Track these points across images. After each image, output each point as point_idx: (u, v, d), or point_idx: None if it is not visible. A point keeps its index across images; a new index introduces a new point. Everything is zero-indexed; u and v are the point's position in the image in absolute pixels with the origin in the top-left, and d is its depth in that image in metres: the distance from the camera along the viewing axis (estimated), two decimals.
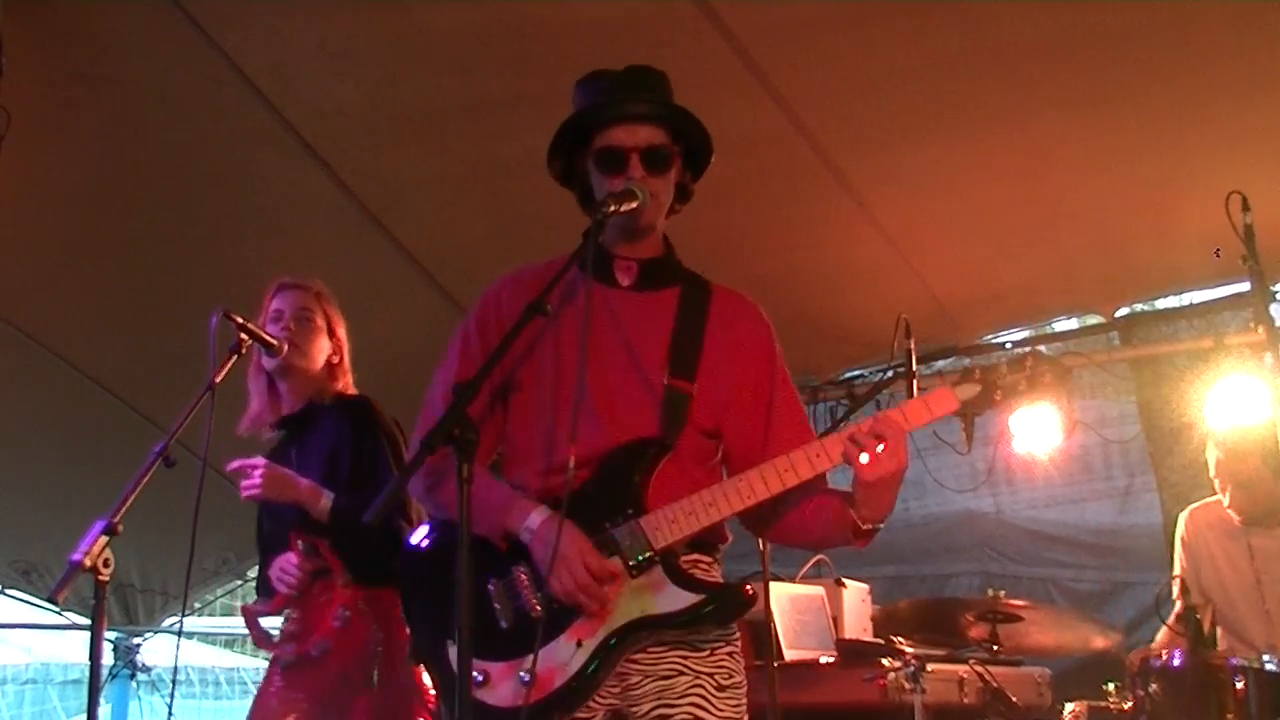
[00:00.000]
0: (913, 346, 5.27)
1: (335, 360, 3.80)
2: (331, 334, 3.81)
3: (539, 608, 2.53)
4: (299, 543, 3.51)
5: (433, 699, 3.54)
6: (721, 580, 2.66)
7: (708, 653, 2.60)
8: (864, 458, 2.49)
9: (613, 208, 2.60)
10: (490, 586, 2.58)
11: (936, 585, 8.70)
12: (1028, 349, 2.61)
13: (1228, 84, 4.41)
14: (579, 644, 2.52)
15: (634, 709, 2.56)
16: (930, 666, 4.41)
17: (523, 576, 2.57)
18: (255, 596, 3.82)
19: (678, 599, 2.53)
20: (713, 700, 2.56)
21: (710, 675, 2.58)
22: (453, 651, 2.44)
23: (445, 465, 2.47)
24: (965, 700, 4.55)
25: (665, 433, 2.60)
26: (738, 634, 2.68)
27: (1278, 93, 4.43)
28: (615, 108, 2.68)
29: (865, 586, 5.14)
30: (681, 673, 2.56)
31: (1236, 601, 4.63)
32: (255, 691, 3.72)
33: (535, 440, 2.66)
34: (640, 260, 2.75)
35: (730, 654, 2.63)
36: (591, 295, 2.66)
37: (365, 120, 4.89)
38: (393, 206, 5.38)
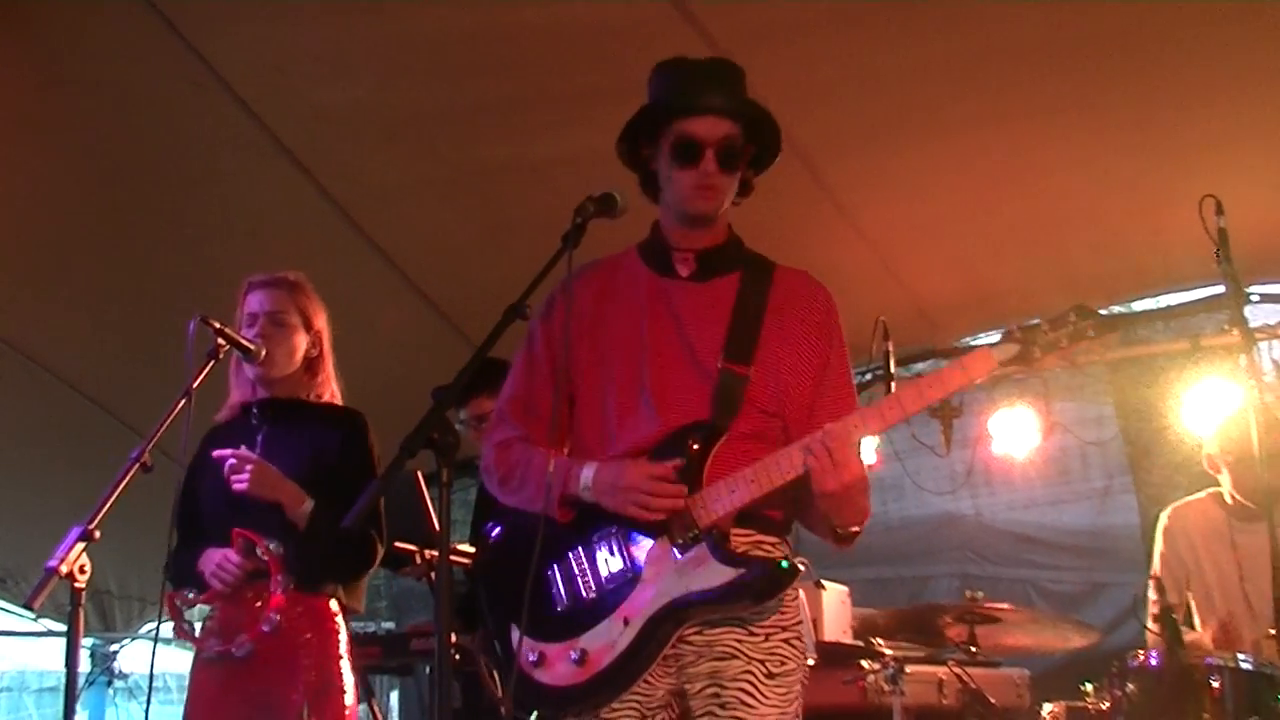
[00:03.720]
0: (890, 349, 5.29)
1: (314, 353, 3.74)
2: (309, 327, 3.73)
3: (591, 588, 2.60)
4: (241, 541, 3.45)
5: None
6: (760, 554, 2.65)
7: (763, 637, 2.61)
8: (817, 471, 2.49)
9: (592, 210, 2.64)
10: (550, 571, 2.64)
11: (916, 587, 8.74)
12: (1074, 306, 2.55)
13: (1202, 89, 4.45)
14: (626, 622, 2.57)
15: (689, 686, 2.60)
16: (909, 668, 4.42)
17: (576, 558, 2.63)
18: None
19: (717, 574, 2.54)
20: (761, 687, 2.57)
21: (762, 662, 2.60)
22: (515, 635, 2.60)
23: (512, 457, 2.70)
24: (944, 702, 4.57)
25: (716, 415, 2.63)
26: (799, 620, 2.69)
27: (1251, 97, 4.47)
28: (700, 99, 2.68)
29: (845, 589, 5.15)
30: (735, 655, 2.59)
31: (1220, 598, 4.64)
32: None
33: (596, 435, 2.72)
34: (698, 250, 2.77)
35: (786, 640, 2.64)
36: (644, 286, 2.75)
37: (347, 125, 4.88)
38: (374, 211, 5.37)
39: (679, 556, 2.56)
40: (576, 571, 2.63)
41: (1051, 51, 4.33)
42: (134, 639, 7.83)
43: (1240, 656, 3.97)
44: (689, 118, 2.66)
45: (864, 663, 4.53)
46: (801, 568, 2.60)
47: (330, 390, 3.80)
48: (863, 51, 4.39)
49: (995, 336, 7.35)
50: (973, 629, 4.53)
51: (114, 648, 7.82)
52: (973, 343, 6.61)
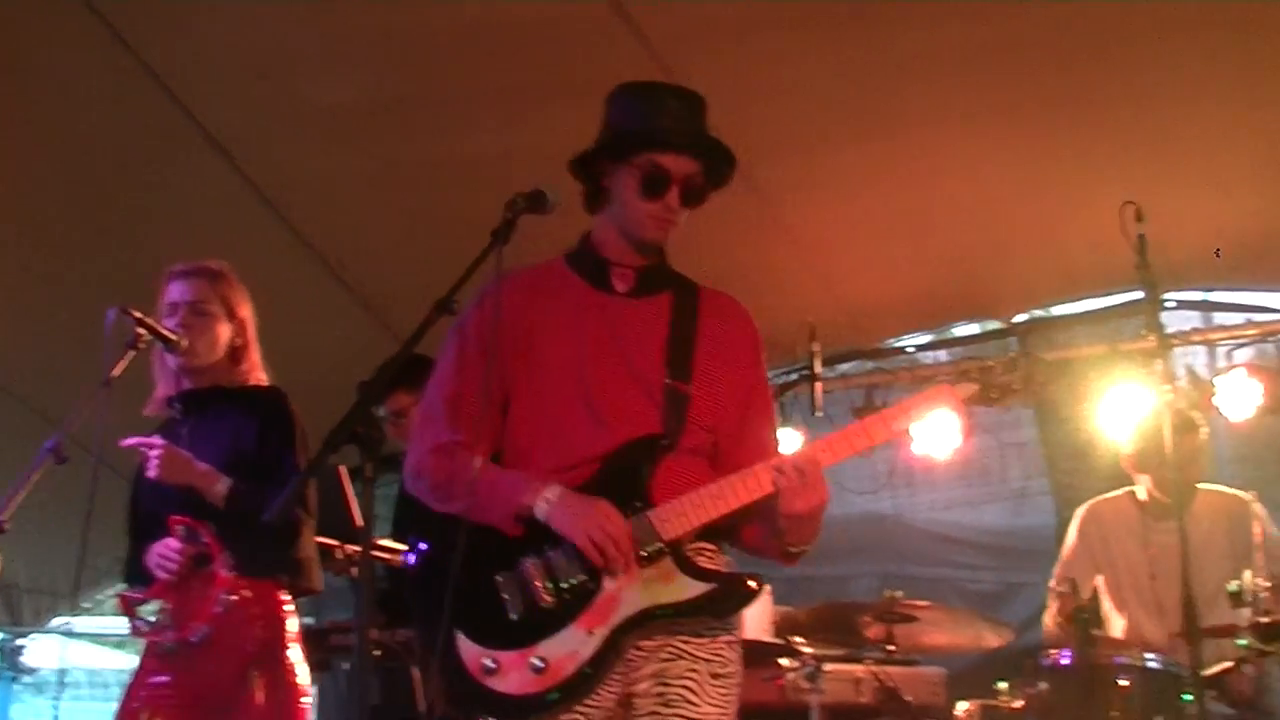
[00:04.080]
0: (817, 350, 5.34)
1: (239, 343, 3.71)
2: (232, 316, 3.69)
3: (549, 598, 2.58)
4: (179, 528, 3.43)
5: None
6: (727, 570, 2.71)
7: (708, 639, 2.64)
8: (787, 492, 2.55)
9: (523, 205, 2.64)
10: (499, 579, 2.61)
11: (837, 586, 8.82)
12: (1016, 352, 2.67)
13: (1125, 97, 4.53)
14: (590, 632, 2.57)
15: (634, 688, 2.61)
16: (828, 667, 4.47)
17: (531, 567, 2.61)
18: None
19: (687, 588, 2.58)
20: (705, 687, 2.61)
21: (707, 662, 2.62)
22: (461, 642, 2.58)
23: (454, 464, 2.66)
24: (861, 700, 4.62)
25: (667, 429, 2.67)
26: (739, 625, 2.73)
27: (1173, 107, 4.55)
28: (677, 135, 2.73)
29: (766, 587, 5.18)
30: (680, 657, 2.61)
31: (1131, 595, 4.74)
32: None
33: (531, 443, 2.72)
34: (638, 268, 2.80)
35: (729, 644, 2.67)
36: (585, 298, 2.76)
37: (275, 116, 4.83)
38: (301, 204, 5.31)
39: (643, 569, 2.58)
40: (531, 579, 2.60)
41: (979, 57, 4.39)
42: (43, 633, 7.69)
43: (1148, 656, 4.06)
44: (664, 151, 2.70)
45: (783, 661, 4.56)
46: (755, 584, 2.65)
47: (256, 378, 3.77)
48: (796, 53, 4.41)
49: (922, 339, 7.50)
50: (891, 628, 4.58)
51: (20, 642, 7.66)
52: (896, 344, 6.69)
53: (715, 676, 2.62)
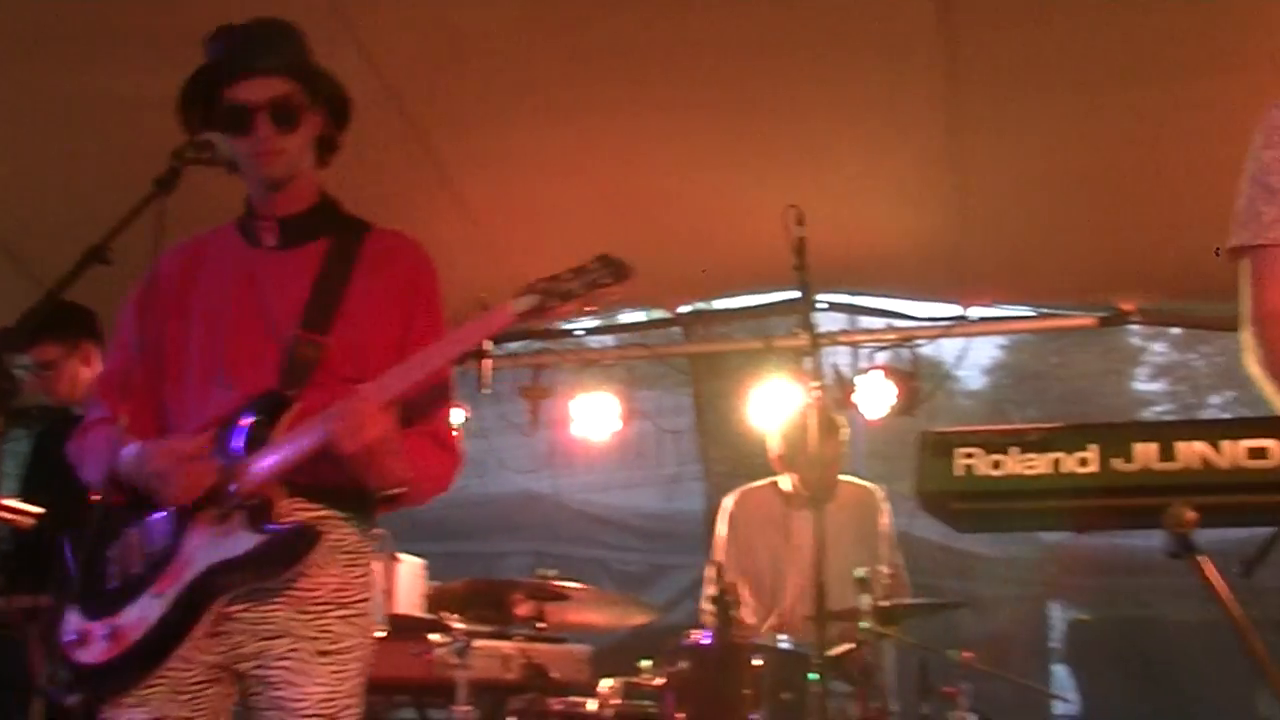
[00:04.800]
0: None
1: None
2: None
3: (139, 565, 2.50)
4: None
5: None
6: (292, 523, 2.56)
7: (315, 615, 2.53)
8: (333, 435, 2.45)
9: (188, 156, 2.52)
10: (110, 550, 2.54)
11: (491, 563, 8.88)
12: (597, 256, 2.63)
13: (792, 105, 4.71)
14: (160, 595, 2.48)
15: (239, 666, 2.52)
16: (477, 643, 4.48)
17: (133, 535, 2.53)
18: None
19: (242, 541, 2.48)
20: (311, 666, 2.50)
21: (313, 639, 2.52)
22: (69, 614, 2.52)
23: (86, 440, 2.64)
24: (508, 676, 4.66)
25: (284, 385, 2.56)
26: (364, 597, 2.62)
27: (836, 116, 4.77)
28: (241, 62, 2.59)
29: (421, 562, 5.15)
30: (283, 635, 2.51)
31: (771, 581, 4.98)
32: None
33: (181, 412, 2.63)
34: (280, 218, 2.69)
35: (343, 618, 2.56)
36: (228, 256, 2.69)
37: None
38: None
39: (215, 527, 2.50)
40: (131, 548, 2.53)
41: (660, 53, 4.48)
42: None
43: (780, 637, 4.29)
44: (234, 84, 2.59)
45: (434, 636, 4.55)
46: (312, 536, 2.54)
47: None
48: (484, 29, 4.37)
49: (590, 323, 7.57)
50: (542, 606, 4.63)
51: None
52: (565, 326, 6.78)
53: (323, 654, 2.52)
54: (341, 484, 2.56)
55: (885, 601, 4.31)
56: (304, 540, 2.51)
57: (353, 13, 4.21)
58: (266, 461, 2.50)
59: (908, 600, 4.74)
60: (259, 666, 2.51)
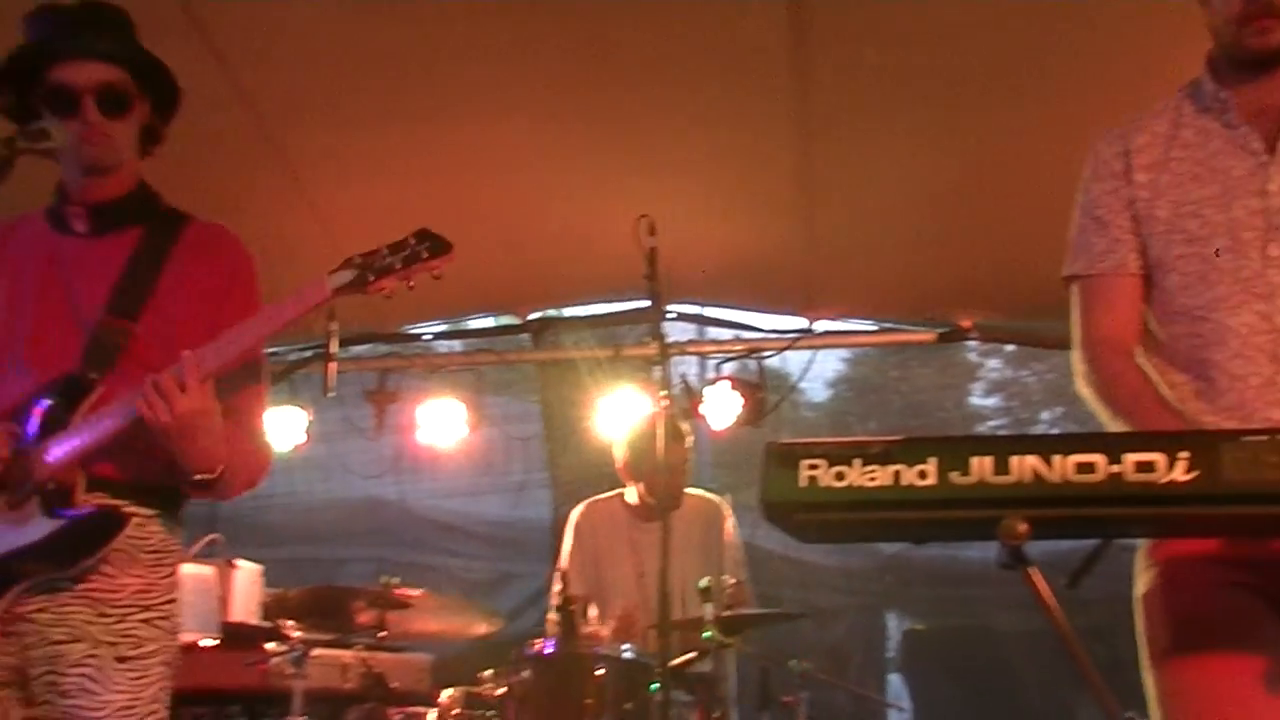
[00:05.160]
0: (334, 329, 5.22)
1: None
2: None
3: None
4: None
5: None
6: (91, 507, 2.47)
7: (116, 619, 2.43)
8: (143, 407, 2.38)
9: (21, 144, 2.45)
10: None
11: (332, 570, 8.70)
12: (416, 231, 2.58)
13: (646, 114, 4.73)
14: None
15: (30, 670, 2.40)
16: (315, 651, 4.40)
17: None
18: None
19: (37, 529, 2.38)
20: (109, 673, 2.39)
21: (112, 644, 2.41)
22: None
23: None
24: (347, 685, 4.58)
25: (84, 369, 2.48)
26: (170, 599, 2.52)
27: (687, 129, 4.81)
28: (70, 43, 2.51)
29: (258, 568, 5.04)
30: (79, 639, 2.40)
31: (618, 592, 4.98)
32: None
33: None
34: (91, 204, 2.61)
35: (146, 621, 2.47)
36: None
37: None
38: None
39: (8, 514, 2.40)
40: None
41: (513, 57, 4.45)
42: None
43: (625, 647, 4.30)
44: (62, 65, 2.52)
45: (270, 645, 4.45)
46: (117, 519, 2.45)
47: None
48: (337, 30, 4.30)
49: (438, 327, 7.50)
50: (384, 614, 4.57)
51: None
52: (413, 330, 6.70)
53: (122, 660, 2.42)
54: (146, 478, 2.49)
55: (727, 612, 4.35)
56: (105, 526, 2.42)
57: (201, 9, 4.11)
58: (64, 446, 2.41)
59: (750, 610, 4.80)
60: (49, 673, 2.40)
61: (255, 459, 2.65)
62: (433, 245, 2.56)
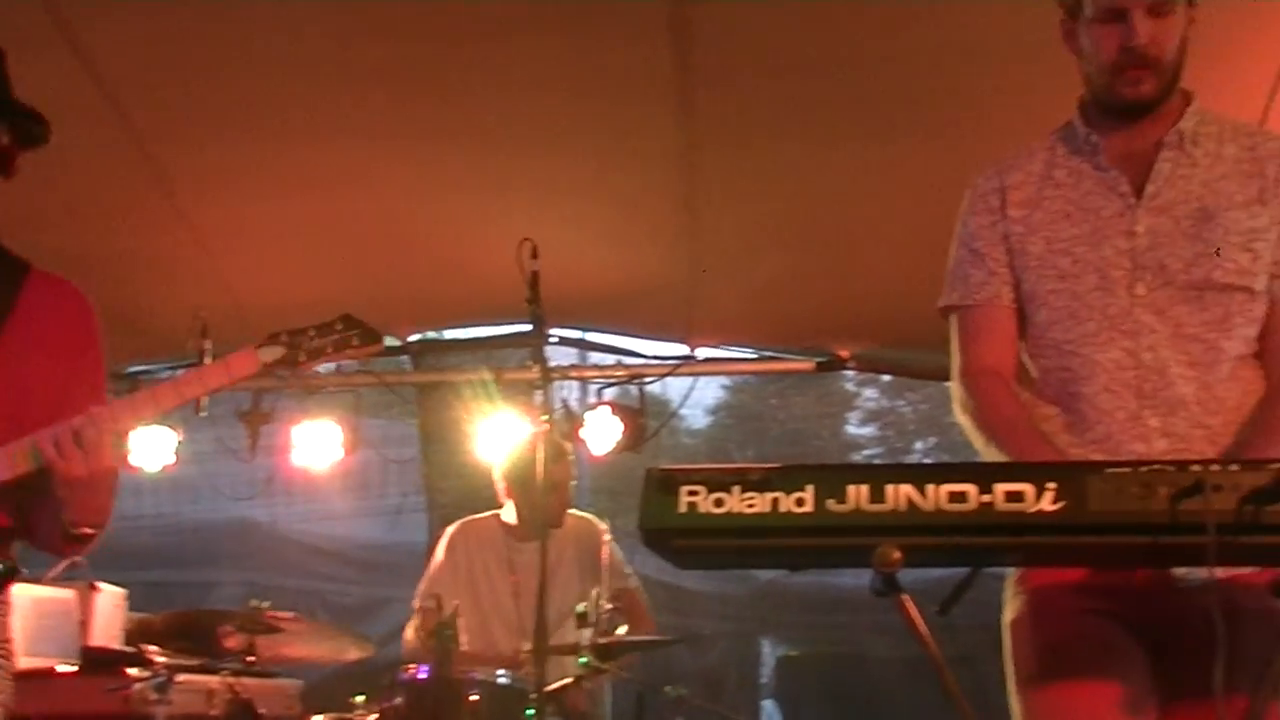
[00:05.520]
0: (208, 347, 5.12)
1: None
2: None
3: None
4: None
5: None
6: None
7: None
8: (60, 458, 2.30)
9: None
10: None
11: (200, 593, 8.51)
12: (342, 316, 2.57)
13: (526, 138, 4.72)
14: None
15: None
16: (180, 677, 4.28)
17: None
18: None
19: None
20: None
21: None
22: None
23: None
24: (213, 712, 4.46)
25: None
26: (5, 639, 2.43)
27: (572, 152, 4.81)
28: None
29: (121, 592, 4.90)
30: None
31: (491, 614, 4.94)
32: None
33: None
34: None
35: None
36: None
37: None
38: None
39: None
40: None
41: (399, 78, 4.42)
42: None
43: (499, 672, 4.25)
44: None
45: (132, 670, 4.32)
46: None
47: None
48: (213, 45, 4.21)
49: None
50: (253, 638, 4.47)
51: None
52: None
53: None
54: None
55: (604, 638, 4.34)
56: None
57: (72, 20, 3.99)
58: None
59: (627, 637, 4.79)
60: None
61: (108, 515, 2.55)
62: (361, 335, 2.56)
